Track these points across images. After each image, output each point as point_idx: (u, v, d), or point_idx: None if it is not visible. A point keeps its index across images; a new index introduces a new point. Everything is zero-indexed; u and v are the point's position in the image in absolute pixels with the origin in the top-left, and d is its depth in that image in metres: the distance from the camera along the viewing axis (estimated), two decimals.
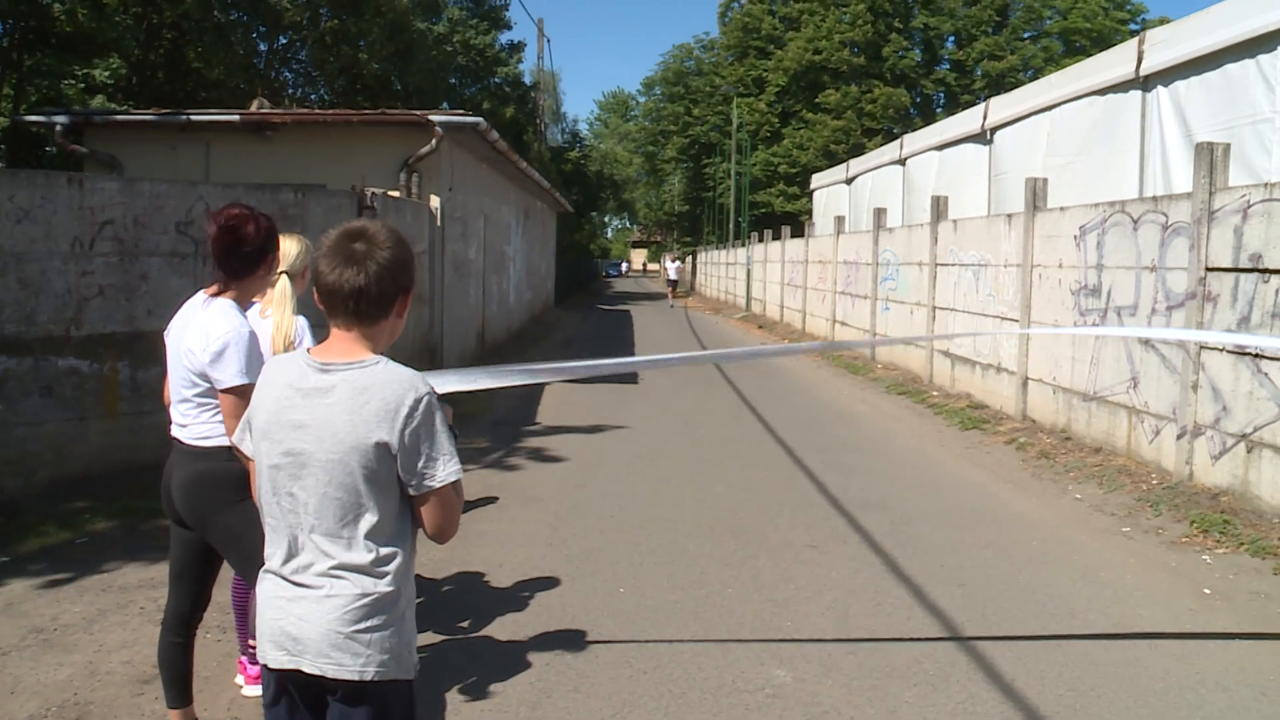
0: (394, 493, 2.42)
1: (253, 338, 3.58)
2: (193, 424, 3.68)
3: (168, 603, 3.87)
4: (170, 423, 3.77)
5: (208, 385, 3.58)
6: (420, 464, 2.40)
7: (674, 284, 46.67)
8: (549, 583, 5.85)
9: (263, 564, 2.52)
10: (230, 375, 3.49)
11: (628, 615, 5.35)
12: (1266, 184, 7.32)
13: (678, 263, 49.97)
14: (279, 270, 4.13)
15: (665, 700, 4.34)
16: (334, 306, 2.42)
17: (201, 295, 3.69)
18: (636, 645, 4.93)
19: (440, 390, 2.60)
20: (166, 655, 3.81)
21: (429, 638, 4.99)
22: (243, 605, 4.33)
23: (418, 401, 2.38)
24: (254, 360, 3.54)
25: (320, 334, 4.24)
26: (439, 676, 4.47)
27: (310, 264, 4.48)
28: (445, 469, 2.42)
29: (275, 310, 4.17)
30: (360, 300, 2.40)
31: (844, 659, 4.80)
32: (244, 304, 3.70)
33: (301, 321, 4.26)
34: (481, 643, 4.96)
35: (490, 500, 7.75)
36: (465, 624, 5.19)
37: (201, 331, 3.55)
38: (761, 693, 4.42)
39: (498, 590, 5.72)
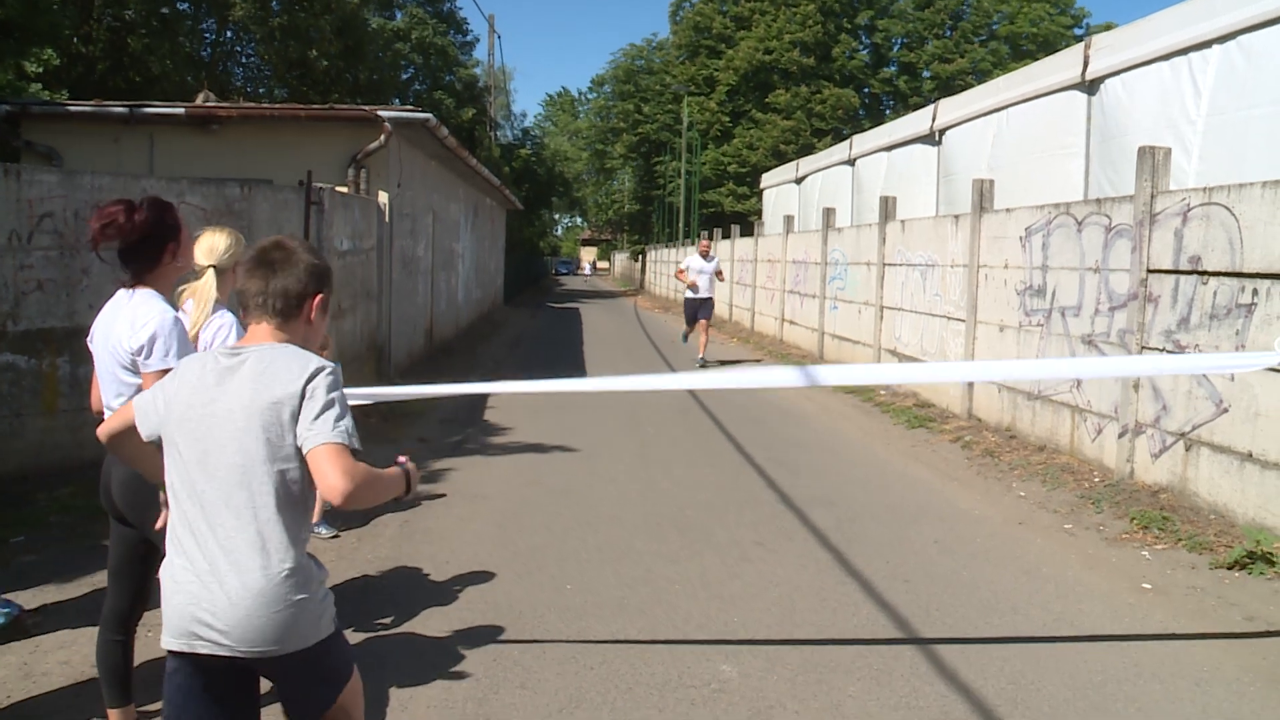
0: (299, 462, 2.52)
1: (178, 323, 3.55)
2: None
3: (106, 600, 3.81)
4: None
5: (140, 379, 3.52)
6: (310, 420, 2.49)
7: (706, 306, 18.38)
8: (495, 579, 5.83)
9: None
10: (157, 359, 3.47)
11: (574, 611, 5.34)
12: (1206, 188, 7.46)
13: (713, 259, 18.65)
14: (206, 264, 4.06)
15: (612, 695, 4.34)
16: (248, 304, 2.67)
17: (122, 291, 3.63)
18: (583, 641, 4.93)
19: (402, 395, 2.78)
20: (105, 653, 3.76)
21: (374, 634, 4.96)
22: None
23: (319, 369, 2.55)
24: (183, 345, 3.51)
25: None
26: (384, 673, 4.44)
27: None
28: (333, 426, 2.49)
29: (195, 305, 4.09)
30: (268, 295, 2.64)
31: (789, 654, 4.83)
32: (165, 295, 3.64)
33: (226, 318, 4.14)
34: (427, 639, 4.93)
35: (437, 497, 7.70)
36: (411, 621, 5.16)
37: (129, 322, 3.51)
38: (707, 687, 4.44)
39: (444, 587, 5.69)
